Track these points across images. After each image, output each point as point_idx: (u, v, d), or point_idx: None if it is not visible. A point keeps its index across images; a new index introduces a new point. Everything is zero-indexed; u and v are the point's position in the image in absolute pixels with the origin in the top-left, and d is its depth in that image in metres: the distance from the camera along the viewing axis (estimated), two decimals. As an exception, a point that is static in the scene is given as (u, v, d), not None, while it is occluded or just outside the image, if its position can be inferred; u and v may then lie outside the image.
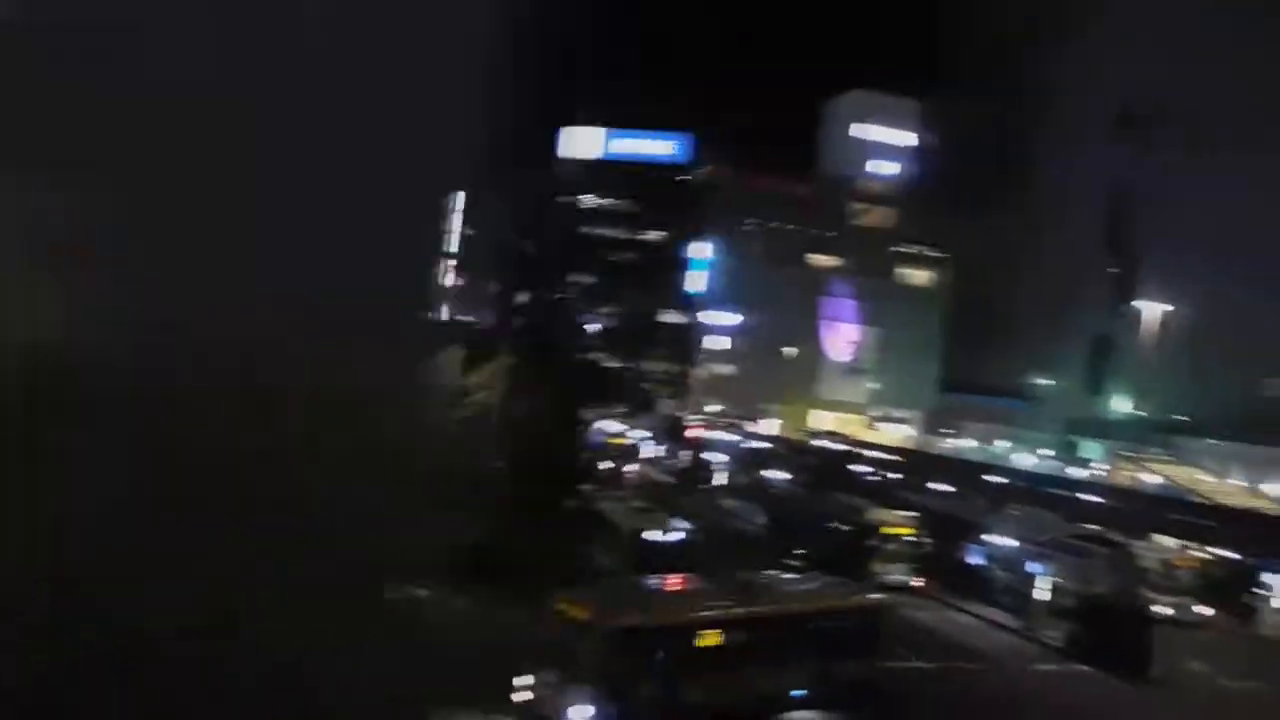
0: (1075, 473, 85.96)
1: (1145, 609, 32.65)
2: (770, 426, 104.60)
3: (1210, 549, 40.93)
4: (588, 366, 52.96)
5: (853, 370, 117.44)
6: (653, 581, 23.87)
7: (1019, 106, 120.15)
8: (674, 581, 23.94)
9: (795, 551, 39.12)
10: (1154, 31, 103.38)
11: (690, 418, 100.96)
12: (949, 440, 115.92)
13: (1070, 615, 32.69)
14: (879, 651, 23.03)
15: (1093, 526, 41.44)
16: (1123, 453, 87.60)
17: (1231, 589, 37.72)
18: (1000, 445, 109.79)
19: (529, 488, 34.64)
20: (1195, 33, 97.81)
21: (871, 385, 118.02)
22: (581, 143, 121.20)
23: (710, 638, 20.64)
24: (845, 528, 37.95)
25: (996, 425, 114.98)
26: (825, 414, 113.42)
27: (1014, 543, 35.89)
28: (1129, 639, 29.17)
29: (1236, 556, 38.97)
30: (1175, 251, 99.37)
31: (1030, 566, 33.82)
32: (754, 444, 78.86)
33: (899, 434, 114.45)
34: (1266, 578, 36.27)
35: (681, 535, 31.31)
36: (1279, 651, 33.79)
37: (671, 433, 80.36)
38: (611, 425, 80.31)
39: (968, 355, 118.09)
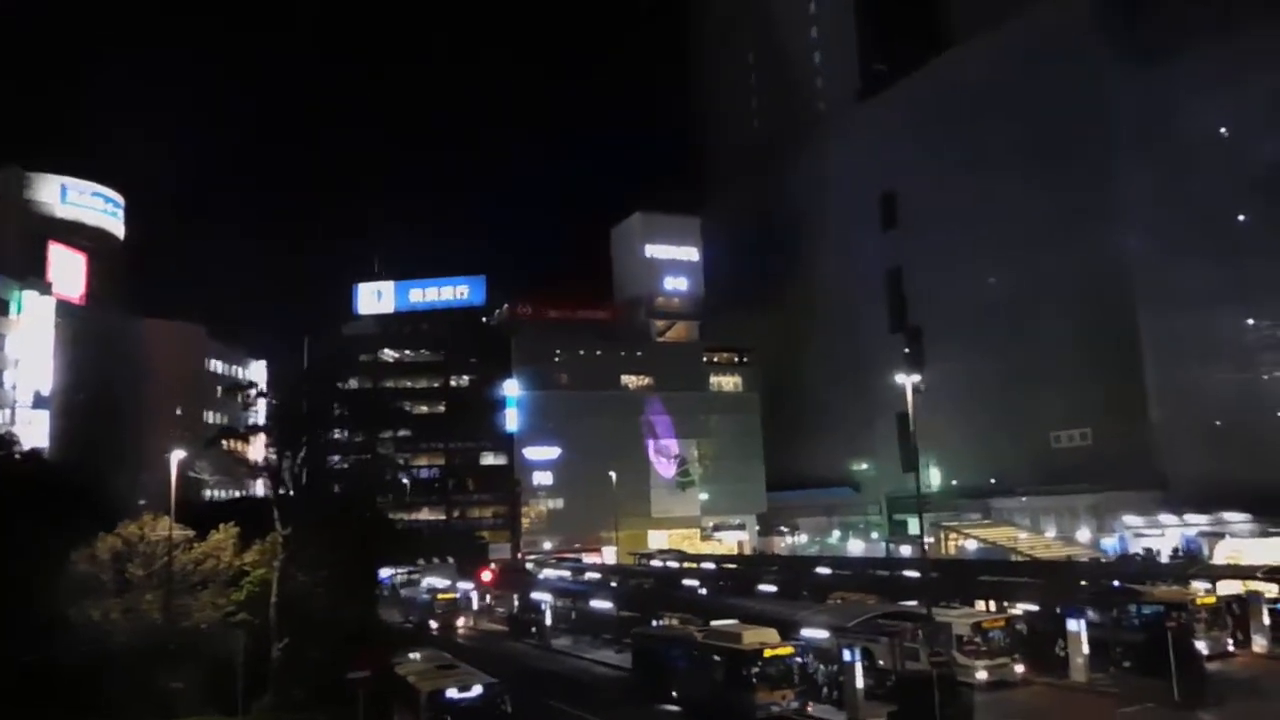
0: (904, 550, 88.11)
1: (959, 676, 32.67)
2: (607, 554, 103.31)
3: (1024, 605, 41.77)
4: (386, 524, 50.58)
5: (681, 485, 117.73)
6: None
7: (794, 206, 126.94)
8: None
9: (668, 692, 36.72)
10: (906, 130, 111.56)
11: (525, 558, 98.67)
12: (786, 539, 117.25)
13: (889, 695, 32.43)
14: None
15: (910, 603, 41.66)
16: (944, 524, 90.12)
17: (1043, 642, 38.35)
18: (834, 535, 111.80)
19: (316, 659, 32.36)
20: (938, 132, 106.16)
21: (702, 497, 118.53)
22: (376, 297, 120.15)
23: None
24: (717, 656, 34.27)
25: (827, 516, 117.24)
26: (660, 533, 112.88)
27: (825, 633, 35.50)
28: (947, 709, 28.95)
29: (1037, 609, 39.76)
30: (952, 322, 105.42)
31: (845, 654, 33.39)
32: (590, 575, 77.05)
33: (735, 541, 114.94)
34: (1072, 625, 36.94)
35: (481, 691, 29.41)
36: (1086, 698, 34.31)
37: (501, 578, 77.87)
38: (438, 580, 77.59)
39: (789, 452, 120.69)
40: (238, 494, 77.97)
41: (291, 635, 32.90)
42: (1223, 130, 79.99)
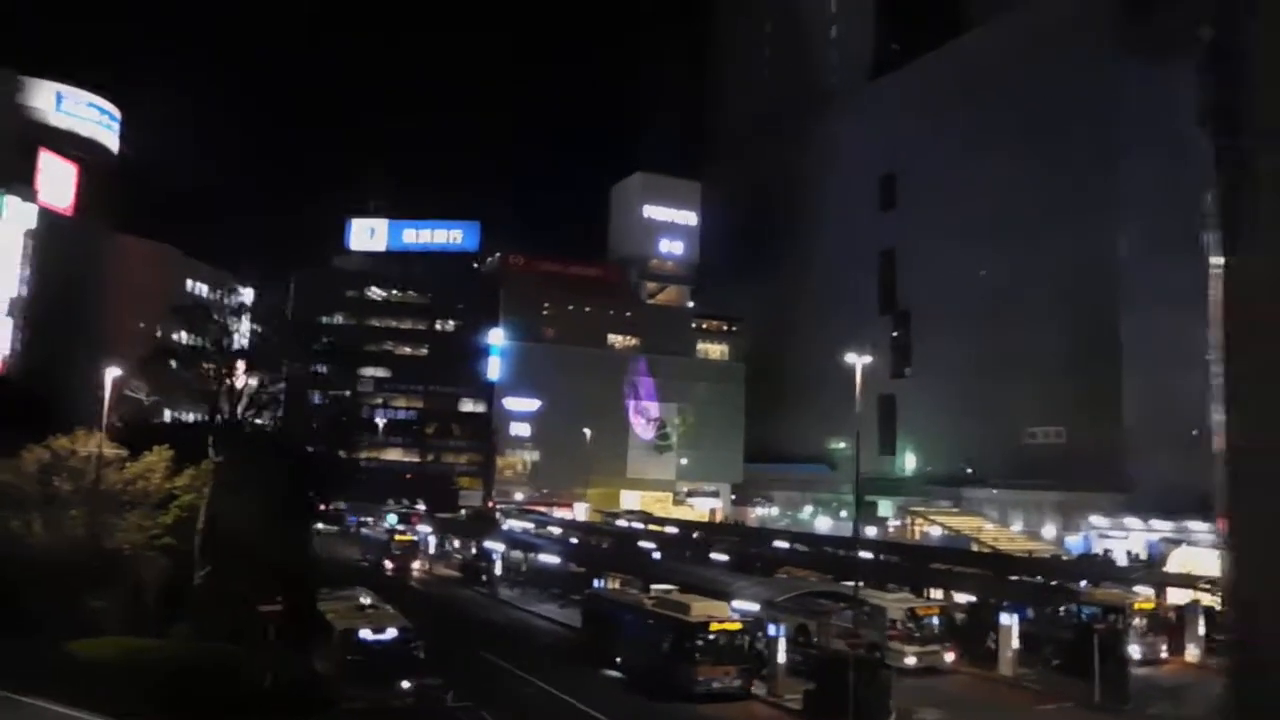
0: (870, 531, 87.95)
1: (882, 660, 32.54)
2: (579, 510, 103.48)
3: (968, 595, 41.68)
4: (332, 462, 50.33)
5: (659, 448, 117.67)
6: None
7: (795, 180, 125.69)
8: None
9: (612, 657, 35.72)
10: (912, 112, 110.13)
11: (496, 507, 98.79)
12: (758, 510, 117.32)
13: (809, 673, 32.26)
14: None
15: (849, 583, 41.43)
16: (913, 508, 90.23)
17: (978, 633, 38.27)
18: (806, 511, 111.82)
19: (237, 593, 32.14)
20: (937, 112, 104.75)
21: (679, 462, 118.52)
22: (369, 234, 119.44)
23: None
24: (663, 626, 33.19)
25: (801, 492, 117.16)
26: (634, 494, 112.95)
27: (756, 606, 35.23)
28: (862, 689, 28.79)
29: (977, 600, 39.68)
30: (941, 309, 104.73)
31: (770, 628, 33.20)
32: (552, 529, 77.07)
33: (708, 508, 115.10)
34: (1004, 619, 36.80)
35: (395, 634, 29.35)
36: (1008, 692, 34.23)
37: (463, 524, 78.14)
38: (398, 522, 77.82)
39: (770, 425, 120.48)
40: (200, 418, 77.68)
41: (216, 564, 32.68)
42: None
